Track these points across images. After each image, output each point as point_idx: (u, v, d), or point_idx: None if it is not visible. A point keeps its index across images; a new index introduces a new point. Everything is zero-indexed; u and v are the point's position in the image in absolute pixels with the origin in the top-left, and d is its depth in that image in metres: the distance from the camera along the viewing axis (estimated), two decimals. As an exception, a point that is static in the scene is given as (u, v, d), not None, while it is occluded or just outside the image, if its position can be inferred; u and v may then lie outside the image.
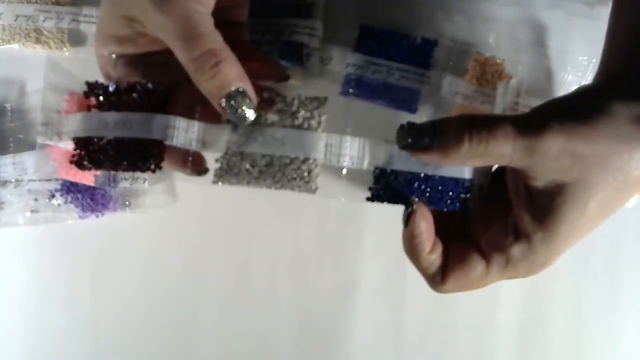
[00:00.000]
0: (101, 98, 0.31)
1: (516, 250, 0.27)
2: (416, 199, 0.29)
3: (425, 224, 0.28)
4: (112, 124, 0.30)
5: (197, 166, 0.31)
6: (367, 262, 0.42)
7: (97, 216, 0.41)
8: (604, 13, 0.41)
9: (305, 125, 0.29)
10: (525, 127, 0.25)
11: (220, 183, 0.29)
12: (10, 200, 0.40)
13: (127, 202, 0.41)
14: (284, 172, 0.29)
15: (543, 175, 0.25)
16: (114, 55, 0.31)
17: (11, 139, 0.40)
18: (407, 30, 0.40)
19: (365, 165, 0.29)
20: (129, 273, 0.42)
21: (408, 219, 0.28)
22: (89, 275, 0.42)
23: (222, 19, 0.29)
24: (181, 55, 0.27)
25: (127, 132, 0.30)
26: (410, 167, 0.29)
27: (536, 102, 0.28)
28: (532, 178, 0.26)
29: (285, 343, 0.42)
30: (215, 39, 0.27)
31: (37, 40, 0.41)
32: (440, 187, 0.29)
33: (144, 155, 0.30)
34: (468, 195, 0.29)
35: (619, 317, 0.43)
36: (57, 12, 0.40)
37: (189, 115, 0.30)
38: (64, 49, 0.41)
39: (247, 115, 0.28)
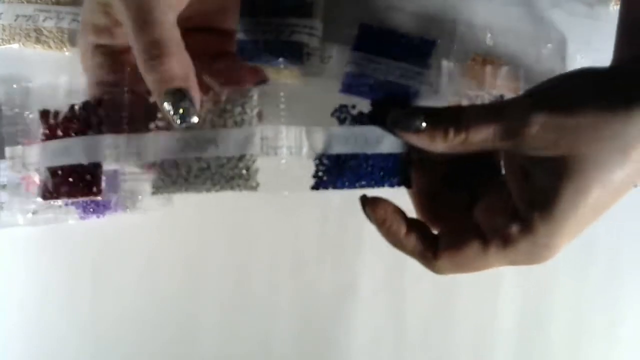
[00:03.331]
0: (51, 123, 0.31)
1: (514, 230, 0.26)
2: (365, 195, 0.29)
3: (384, 211, 0.28)
4: (58, 152, 0.30)
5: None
6: (367, 262, 0.42)
7: (97, 217, 0.41)
8: (604, 13, 0.41)
9: (239, 120, 0.28)
10: (504, 111, 0.26)
11: (159, 194, 0.29)
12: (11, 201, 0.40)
13: (127, 203, 0.41)
14: (222, 173, 0.28)
15: (531, 153, 0.26)
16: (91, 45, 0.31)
17: (11, 140, 0.40)
18: (406, 29, 0.40)
19: (304, 153, 0.29)
20: (129, 273, 0.42)
21: (367, 215, 0.29)
22: (89, 275, 0.42)
23: (209, 25, 0.28)
24: (132, 42, 0.26)
25: (68, 159, 0.30)
26: (348, 149, 0.29)
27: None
28: (523, 158, 0.26)
29: (285, 343, 0.42)
30: (167, 30, 0.26)
31: (37, 40, 0.41)
32: (381, 165, 0.29)
33: (89, 180, 0.30)
34: (409, 170, 0.29)
35: (619, 317, 0.43)
36: (57, 12, 0.40)
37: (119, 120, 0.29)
38: (64, 48, 0.41)
39: (188, 118, 0.27)
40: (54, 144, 0.30)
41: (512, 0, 0.41)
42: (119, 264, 0.42)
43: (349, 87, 0.40)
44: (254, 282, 0.42)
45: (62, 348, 0.42)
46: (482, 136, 0.26)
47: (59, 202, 0.39)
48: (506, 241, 0.26)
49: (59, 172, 0.30)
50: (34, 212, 0.40)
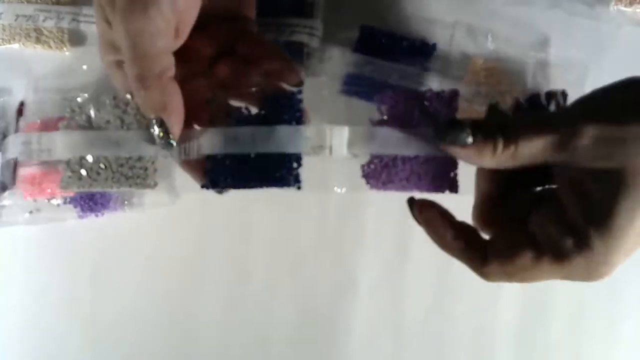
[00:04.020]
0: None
1: (569, 244, 0.25)
2: (412, 198, 0.29)
3: (431, 213, 0.28)
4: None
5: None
6: (366, 260, 0.42)
7: (96, 215, 0.41)
8: (604, 13, 0.41)
9: (137, 123, 0.30)
10: (553, 121, 0.25)
11: (67, 189, 0.31)
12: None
13: (126, 201, 0.41)
14: (121, 172, 0.30)
15: (583, 165, 0.25)
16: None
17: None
18: (407, 32, 0.40)
19: (195, 154, 0.30)
20: (128, 272, 0.42)
21: (415, 217, 0.29)
22: (89, 275, 0.42)
23: (232, 14, 0.29)
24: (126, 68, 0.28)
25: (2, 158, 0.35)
26: (232, 149, 0.30)
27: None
28: (576, 171, 0.25)
29: (284, 340, 0.42)
30: (153, 63, 0.28)
31: (37, 40, 0.41)
32: (270, 164, 0.30)
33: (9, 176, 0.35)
34: (299, 169, 0.30)
35: (619, 317, 0.43)
36: (57, 11, 0.40)
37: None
38: (64, 48, 0.41)
39: (166, 141, 0.29)
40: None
41: (512, 1, 0.41)
42: (119, 264, 0.42)
43: (348, 89, 0.40)
44: (253, 280, 0.42)
45: (62, 348, 0.42)
46: (531, 149, 0.25)
47: (58, 200, 0.39)
48: (561, 255, 0.26)
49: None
50: (33, 211, 0.40)
